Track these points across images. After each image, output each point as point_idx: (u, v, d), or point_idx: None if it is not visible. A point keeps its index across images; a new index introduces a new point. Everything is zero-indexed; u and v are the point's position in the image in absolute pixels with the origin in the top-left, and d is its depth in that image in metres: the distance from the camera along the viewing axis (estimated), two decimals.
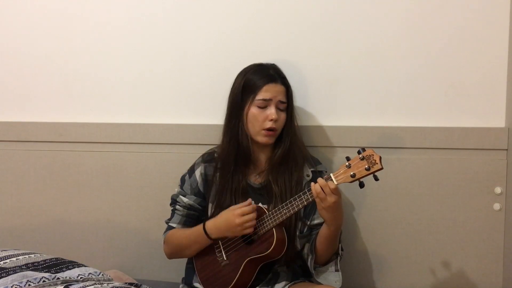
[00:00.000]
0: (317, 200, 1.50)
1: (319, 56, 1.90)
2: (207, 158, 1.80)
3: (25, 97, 2.19)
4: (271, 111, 1.67)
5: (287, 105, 1.72)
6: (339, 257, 1.67)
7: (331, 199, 1.48)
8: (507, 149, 1.78)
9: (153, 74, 2.06)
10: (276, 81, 1.70)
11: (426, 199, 1.85)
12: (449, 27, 1.80)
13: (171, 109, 2.06)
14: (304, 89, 1.91)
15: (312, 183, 1.51)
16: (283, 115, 1.70)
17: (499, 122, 1.80)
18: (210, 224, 1.66)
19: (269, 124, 1.67)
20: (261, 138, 1.69)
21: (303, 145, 1.80)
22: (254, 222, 1.59)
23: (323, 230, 1.60)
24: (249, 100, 1.69)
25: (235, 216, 1.58)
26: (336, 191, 1.48)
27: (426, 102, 1.84)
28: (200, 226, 1.68)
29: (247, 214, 1.58)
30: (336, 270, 1.65)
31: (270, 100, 1.67)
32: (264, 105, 1.67)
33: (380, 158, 1.45)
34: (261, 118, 1.67)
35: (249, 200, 1.62)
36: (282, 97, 1.70)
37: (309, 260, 1.69)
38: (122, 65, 2.08)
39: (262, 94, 1.68)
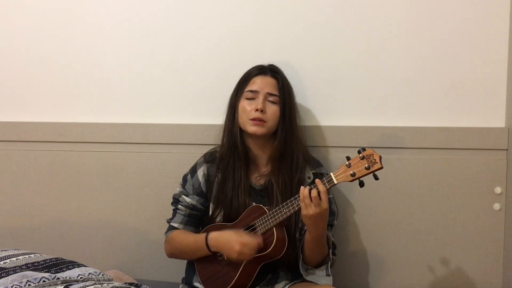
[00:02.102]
0: (302, 204, 1.51)
1: (319, 56, 1.90)
2: (209, 158, 1.80)
3: (25, 97, 2.19)
4: (258, 101, 1.68)
5: (280, 99, 1.71)
6: (330, 262, 1.66)
7: (313, 210, 1.48)
8: (507, 149, 1.78)
9: (153, 74, 2.06)
10: (265, 73, 1.73)
11: (426, 199, 1.85)
12: (449, 27, 1.80)
13: (171, 109, 2.06)
14: (304, 89, 1.91)
15: (302, 187, 1.51)
16: (273, 108, 1.70)
17: (499, 122, 1.80)
18: (213, 237, 1.65)
19: (254, 114, 1.67)
20: (249, 128, 1.69)
21: (305, 146, 1.80)
22: (252, 256, 1.57)
23: (306, 235, 1.60)
24: (240, 93, 1.73)
25: (236, 242, 1.57)
26: (324, 196, 1.48)
27: (426, 102, 1.84)
28: (203, 237, 1.67)
29: (249, 247, 1.56)
30: (327, 275, 1.64)
31: (257, 91, 1.69)
32: (252, 97, 1.70)
33: (380, 157, 1.45)
34: (248, 109, 1.70)
35: (260, 239, 1.59)
36: (271, 89, 1.70)
37: (299, 260, 1.69)
38: (122, 65, 2.08)
39: (250, 86, 1.71)
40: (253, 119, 1.68)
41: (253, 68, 1.77)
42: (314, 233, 1.55)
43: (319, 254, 1.63)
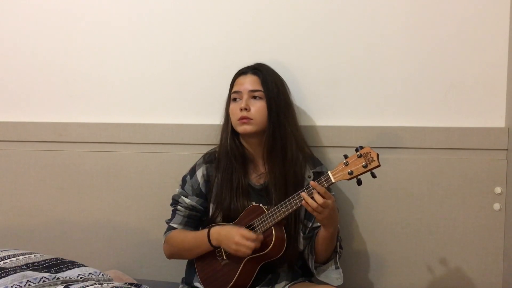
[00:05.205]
0: (315, 213, 1.52)
1: (319, 56, 1.90)
2: (208, 159, 1.80)
3: (25, 97, 2.19)
4: (242, 101, 1.70)
5: (265, 93, 1.70)
6: (338, 255, 1.68)
7: (326, 211, 1.51)
8: (507, 149, 1.78)
9: (153, 74, 2.06)
10: (246, 73, 1.74)
11: (426, 199, 1.85)
12: (449, 27, 1.80)
13: (171, 109, 2.06)
14: (304, 89, 1.91)
15: (305, 194, 1.51)
16: (258, 104, 1.70)
17: (499, 122, 1.80)
18: (215, 231, 1.67)
19: (240, 114, 1.69)
20: (238, 128, 1.71)
21: (306, 145, 1.80)
22: (250, 250, 1.57)
23: (322, 233, 1.61)
24: (229, 97, 1.76)
25: (236, 234, 1.59)
26: (327, 195, 1.50)
27: (426, 102, 1.84)
28: (204, 232, 1.69)
29: (248, 240, 1.57)
30: (337, 268, 1.67)
31: (240, 92, 1.71)
32: (237, 97, 1.72)
33: (378, 155, 1.46)
34: (234, 110, 1.72)
35: (260, 235, 1.60)
36: (253, 86, 1.71)
37: (310, 260, 1.69)
38: (122, 65, 2.08)
39: (233, 88, 1.74)
40: (240, 119, 1.69)
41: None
42: (332, 227, 1.58)
43: (331, 248, 1.65)
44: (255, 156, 1.76)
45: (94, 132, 2.10)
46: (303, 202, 1.52)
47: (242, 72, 1.76)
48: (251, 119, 1.69)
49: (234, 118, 1.72)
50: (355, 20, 1.86)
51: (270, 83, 1.72)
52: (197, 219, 1.79)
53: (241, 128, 1.70)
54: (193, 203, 1.76)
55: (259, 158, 1.76)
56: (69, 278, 1.42)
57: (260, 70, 1.74)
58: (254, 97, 1.70)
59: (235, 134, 1.75)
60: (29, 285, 1.32)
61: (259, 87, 1.71)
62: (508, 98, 1.77)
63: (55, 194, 2.16)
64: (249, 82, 1.72)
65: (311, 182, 1.50)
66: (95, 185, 2.12)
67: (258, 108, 1.69)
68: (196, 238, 1.71)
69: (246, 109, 1.68)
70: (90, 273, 1.46)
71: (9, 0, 2.15)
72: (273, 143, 1.70)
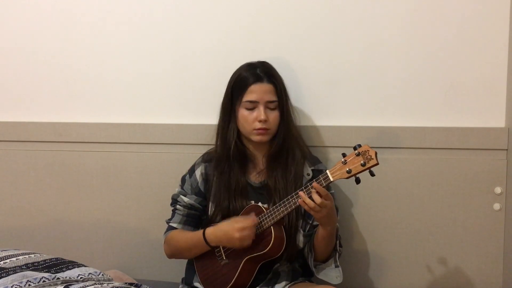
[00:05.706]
0: (312, 212, 1.52)
1: (319, 56, 1.90)
2: (207, 158, 1.80)
3: (25, 97, 2.19)
4: (260, 112, 1.67)
5: (279, 102, 1.71)
6: (337, 254, 1.68)
7: (324, 210, 1.51)
8: (507, 149, 1.78)
9: (153, 74, 2.06)
10: (262, 80, 1.69)
11: (426, 199, 1.85)
12: (449, 27, 1.80)
13: (171, 109, 2.06)
14: (303, 89, 1.91)
15: (302, 193, 1.52)
16: (274, 114, 1.70)
17: (499, 122, 1.80)
18: (210, 232, 1.67)
19: (258, 125, 1.67)
20: (254, 137, 1.70)
21: (304, 143, 1.80)
22: (252, 237, 1.59)
23: (320, 231, 1.61)
24: (238, 101, 1.70)
25: (235, 230, 1.59)
26: (327, 196, 1.50)
27: (426, 102, 1.84)
28: (200, 232, 1.69)
29: (246, 229, 1.58)
30: (336, 266, 1.66)
31: (257, 102, 1.68)
32: (252, 107, 1.68)
33: (376, 153, 1.46)
34: (250, 120, 1.68)
35: (253, 217, 1.61)
36: (270, 97, 1.69)
37: (309, 258, 1.70)
38: (122, 65, 2.08)
39: (249, 96, 1.68)
40: (258, 129, 1.67)
41: (245, 71, 1.71)
42: (330, 225, 1.58)
43: (330, 247, 1.65)
44: (256, 155, 1.76)
45: (94, 132, 2.10)
46: (300, 201, 1.52)
47: (257, 79, 1.68)
48: (268, 129, 1.69)
49: (248, 127, 1.69)
50: (355, 20, 1.86)
51: (282, 91, 1.72)
52: (196, 218, 1.79)
53: (257, 138, 1.69)
54: (192, 202, 1.77)
55: (260, 157, 1.76)
56: (69, 278, 1.42)
57: (273, 77, 1.71)
58: (270, 108, 1.69)
59: (237, 134, 1.74)
60: (29, 285, 1.32)
61: (275, 97, 1.70)
62: (508, 98, 1.77)
63: (55, 194, 2.16)
64: (267, 92, 1.68)
65: (314, 184, 1.50)
66: (95, 185, 2.12)
67: (274, 119, 1.69)
68: (193, 239, 1.71)
69: (266, 121, 1.67)
70: (90, 273, 1.46)
71: (9, 0, 2.15)
72: (281, 147, 1.71)
